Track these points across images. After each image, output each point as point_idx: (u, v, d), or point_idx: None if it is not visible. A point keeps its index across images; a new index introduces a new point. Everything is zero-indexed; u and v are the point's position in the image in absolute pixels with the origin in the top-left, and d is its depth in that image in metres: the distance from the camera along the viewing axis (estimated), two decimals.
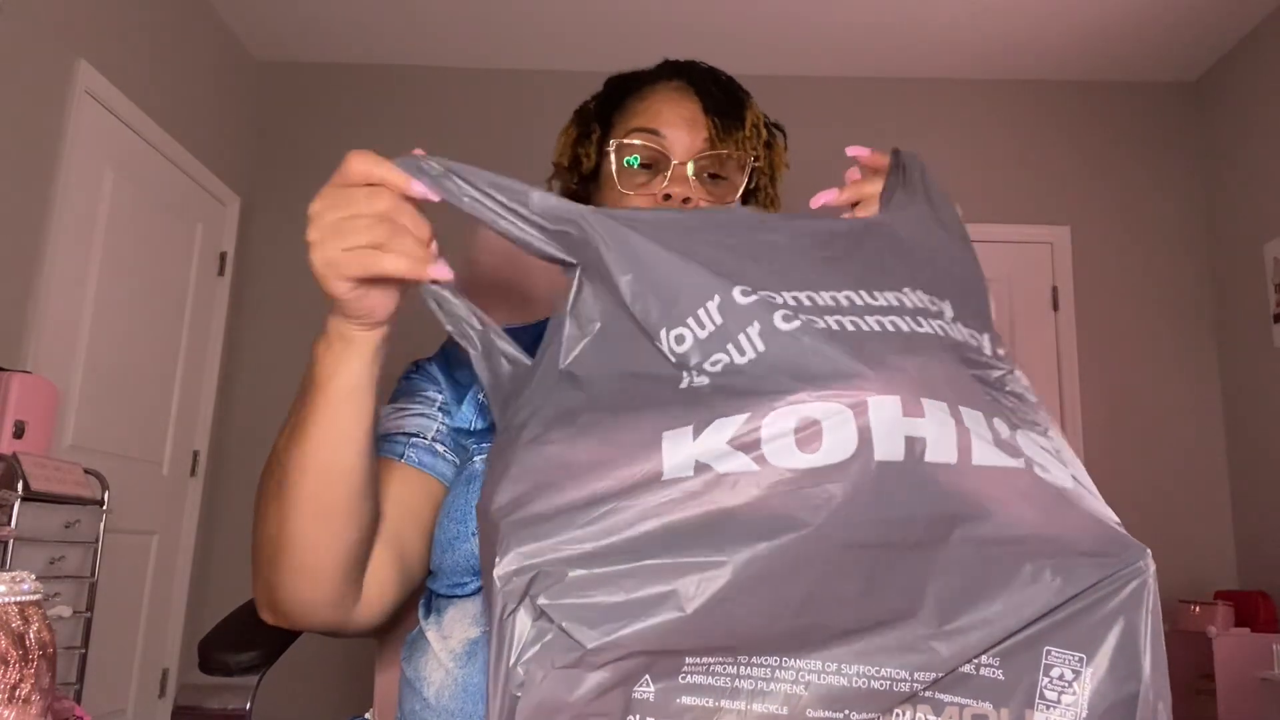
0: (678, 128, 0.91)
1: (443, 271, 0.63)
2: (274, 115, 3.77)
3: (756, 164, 0.94)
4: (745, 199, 0.97)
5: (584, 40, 3.55)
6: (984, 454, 0.49)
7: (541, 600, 0.46)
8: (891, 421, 0.48)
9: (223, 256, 3.54)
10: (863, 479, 0.47)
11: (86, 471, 2.41)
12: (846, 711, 0.48)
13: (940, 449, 0.48)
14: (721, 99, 0.93)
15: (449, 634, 0.75)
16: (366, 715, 0.99)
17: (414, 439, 0.83)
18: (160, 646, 3.19)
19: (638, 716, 0.48)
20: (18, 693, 0.44)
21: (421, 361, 0.92)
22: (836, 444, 0.47)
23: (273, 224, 3.68)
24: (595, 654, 0.46)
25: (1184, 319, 3.58)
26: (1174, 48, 3.50)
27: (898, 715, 0.49)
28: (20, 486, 2.08)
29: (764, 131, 0.96)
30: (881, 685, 0.48)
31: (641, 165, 0.92)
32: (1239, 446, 3.42)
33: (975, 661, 0.50)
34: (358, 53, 3.73)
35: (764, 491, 0.47)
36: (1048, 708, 0.49)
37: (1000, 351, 0.59)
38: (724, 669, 0.49)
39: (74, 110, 2.66)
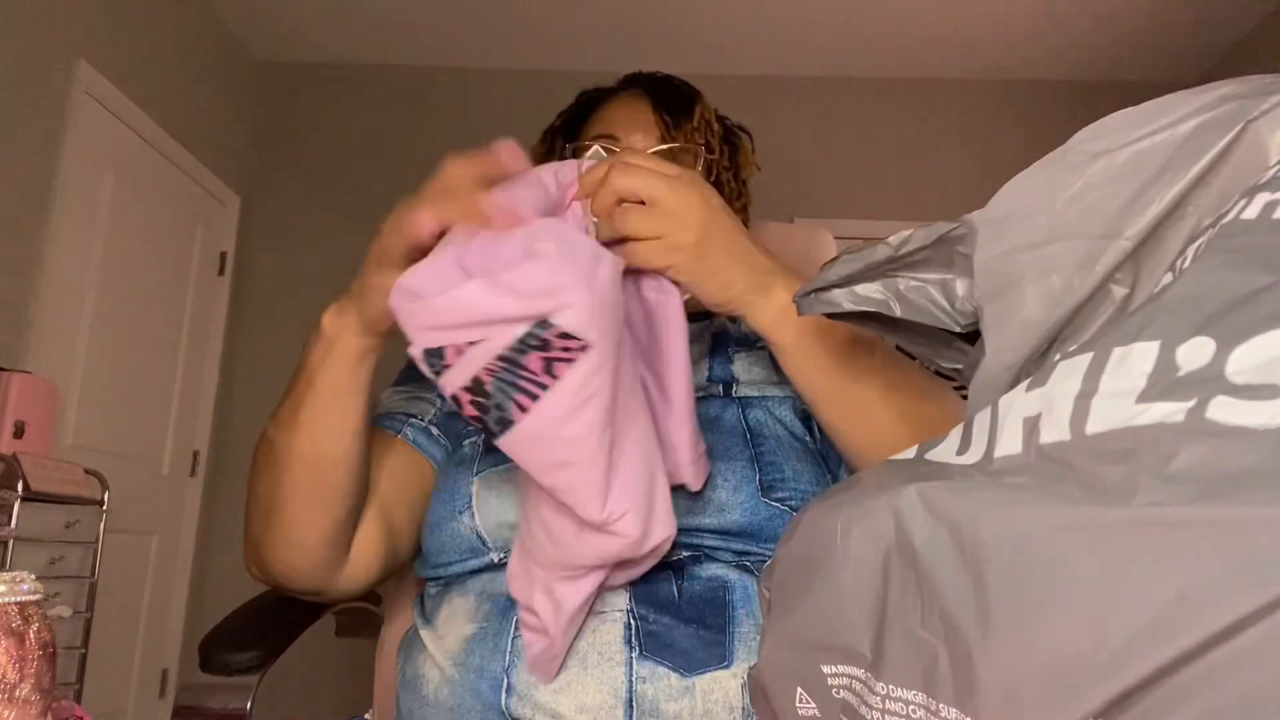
0: (631, 130, 0.93)
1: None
2: (274, 115, 3.77)
3: (711, 156, 0.95)
4: None
5: (585, 40, 3.55)
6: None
7: None
8: None
9: (223, 256, 3.54)
10: None
11: (86, 471, 2.41)
12: None
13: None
14: (671, 97, 0.96)
15: (444, 633, 0.75)
16: (366, 716, 0.99)
17: (412, 419, 0.88)
18: (160, 646, 3.19)
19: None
20: (18, 693, 0.44)
21: None
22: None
23: (273, 224, 3.68)
24: None
25: None
26: (1174, 48, 3.50)
27: None
28: (20, 486, 2.08)
29: (717, 126, 0.98)
30: None
31: None
32: None
33: None
34: (358, 53, 3.73)
35: None
36: None
37: None
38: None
39: (74, 110, 2.66)
